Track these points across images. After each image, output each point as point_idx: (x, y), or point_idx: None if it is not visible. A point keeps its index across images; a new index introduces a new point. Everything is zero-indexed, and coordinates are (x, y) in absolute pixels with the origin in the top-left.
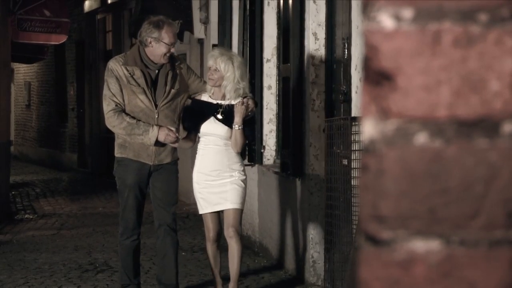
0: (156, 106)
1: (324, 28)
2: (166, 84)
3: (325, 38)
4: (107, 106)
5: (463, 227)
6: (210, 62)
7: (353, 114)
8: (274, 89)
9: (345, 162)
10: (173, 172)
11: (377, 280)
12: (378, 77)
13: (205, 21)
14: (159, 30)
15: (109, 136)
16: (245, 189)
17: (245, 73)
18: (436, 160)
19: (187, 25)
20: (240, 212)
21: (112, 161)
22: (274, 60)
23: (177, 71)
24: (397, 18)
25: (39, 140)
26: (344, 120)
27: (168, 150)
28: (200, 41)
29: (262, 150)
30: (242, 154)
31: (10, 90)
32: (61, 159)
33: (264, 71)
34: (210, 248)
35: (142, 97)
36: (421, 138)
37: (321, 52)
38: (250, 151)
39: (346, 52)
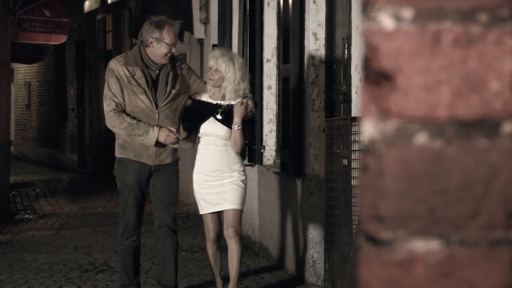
0: (156, 106)
1: (324, 28)
2: (167, 85)
3: (325, 38)
4: (108, 106)
5: (463, 227)
6: (211, 63)
7: (353, 114)
8: (274, 89)
9: (345, 162)
10: (173, 172)
11: (377, 280)
12: (378, 77)
13: (205, 21)
14: (160, 30)
15: (109, 136)
16: (245, 190)
17: (245, 75)
18: (436, 160)
19: (187, 25)
20: (239, 212)
21: (112, 161)
22: (274, 60)
23: (178, 71)
24: (397, 18)
25: (39, 140)
26: (344, 120)
27: (168, 150)
28: (200, 41)
29: (262, 150)
30: (242, 154)
31: (10, 90)
32: (61, 159)
33: (264, 71)
34: (210, 248)
35: (143, 97)
36: (421, 138)
37: (321, 52)
38: (250, 151)
39: (346, 52)
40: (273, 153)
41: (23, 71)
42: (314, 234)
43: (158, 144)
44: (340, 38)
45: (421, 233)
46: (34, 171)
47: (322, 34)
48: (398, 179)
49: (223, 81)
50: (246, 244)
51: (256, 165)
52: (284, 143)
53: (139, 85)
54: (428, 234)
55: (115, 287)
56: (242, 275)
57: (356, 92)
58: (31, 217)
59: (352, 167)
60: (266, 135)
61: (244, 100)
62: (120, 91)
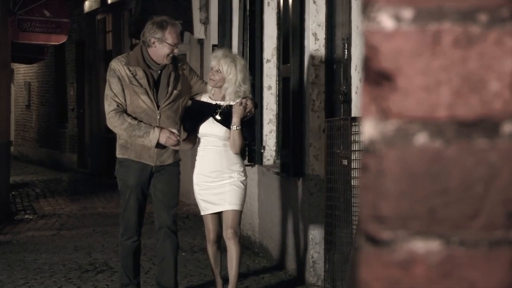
0: (158, 107)
1: (324, 28)
2: (168, 85)
3: (325, 39)
4: (109, 106)
5: (463, 227)
6: (213, 63)
7: (353, 115)
8: (274, 90)
9: (345, 162)
10: (174, 173)
11: (377, 280)
12: (378, 78)
13: (205, 22)
14: (163, 30)
15: (109, 137)
16: (244, 190)
17: (247, 77)
18: (436, 160)
19: (187, 26)
20: (239, 213)
21: (112, 162)
22: (274, 60)
23: (180, 72)
24: (397, 18)
25: (39, 140)
26: (344, 120)
27: (170, 151)
28: (200, 42)
29: (262, 151)
30: (242, 155)
31: (10, 90)
32: (61, 160)
33: (264, 71)
34: (211, 249)
35: (144, 97)
36: (421, 138)
37: (321, 52)
38: (250, 151)
39: (346, 53)
40: (273, 154)
41: (23, 71)
42: (314, 234)
43: (158, 145)
44: (340, 38)
45: (421, 233)
46: (34, 171)
47: (322, 34)
48: (398, 179)
49: (224, 82)
50: (246, 245)
51: (256, 165)
52: (284, 143)
53: (141, 86)
54: (428, 234)
55: (115, 287)
56: (242, 276)
57: (356, 92)
58: (31, 217)
59: (352, 167)
60: (266, 135)
61: (243, 100)
62: (122, 91)
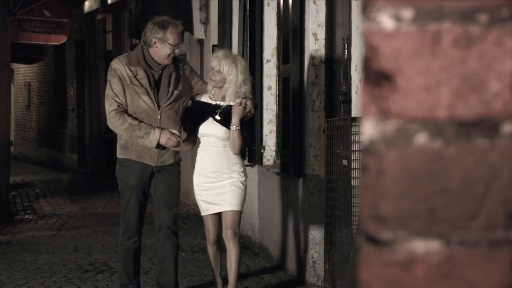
0: (159, 107)
1: (324, 28)
2: (169, 85)
3: (325, 39)
4: (109, 106)
5: (463, 227)
6: (213, 63)
7: (353, 115)
8: (274, 90)
9: (345, 162)
10: (175, 173)
11: (377, 280)
12: (378, 78)
13: (205, 22)
14: (164, 30)
15: (109, 137)
16: (244, 191)
17: (247, 78)
18: (436, 160)
19: (187, 26)
20: (238, 214)
21: (112, 162)
22: (274, 60)
23: (181, 72)
24: (397, 18)
25: (39, 140)
26: (344, 120)
27: (170, 151)
28: (200, 42)
29: (262, 151)
30: (242, 155)
31: (10, 90)
32: (61, 160)
33: (264, 71)
34: (211, 249)
35: (145, 97)
36: (421, 138)
37: (321, 52)
38: (250, 151)
39: (346, 53)
40: (273, 154)
41: (23, 72)
42: (314, 234)
43: (159, 146)
44: (340, 39)
45: (421, 234)
46: (34, 171)
47: (322, 35)
48: (398, 180)
49: (224, 82)
50: (246, 245)
51: (256, 166)
52: (284, 143)
53: (142, 86)
54: (428, 235)
55: (115, 287)
56: (242, 276)
57: (356, 93)
58: (31, 217)
59: (352, 167)
60: (266, 135)
61: (243, 100)
62: (122, 91)
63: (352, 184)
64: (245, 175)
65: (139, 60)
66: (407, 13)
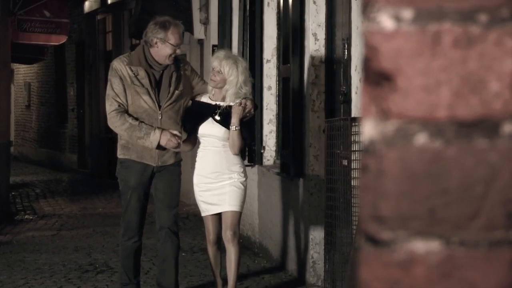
0: (159, 107)
1: (324, 28)
2: (170, 85)
3: (325, 39)
4: (110, 106)
5: (463, 227)
6: (214, 64)
7: (353, 115)
8: (274, 90)
9: (345, 162)
10: (176, 173)
11: (377, 280)
12: (378, 78)
13: (205, 22)
14: (165, 31)
15: (109, 137)
16: (244, 191)
17: (248, 79)
18: (436, 160)
19: (187, 26)
20: (238, 214)
21: (112, 162)
22: (274, 60)
23: (182, 72)
24: (397, 18)
25: (39, 140)
26: (344, 120)
27: (171, 151)
28: (200, 42)
29: (262, 151)
30: (242, 155)
31: (10, 90)
32: (61, 160)
33: (264, 71)
34: (211, 249)
35: (146, 97)
36: (421, 138)
37: (321, 52)
38: (250, 151)
39: (346, 53)
40: (273, 154)
41: (23, 72)
42: (314, 234)
43: (159, 146)
44: (340, 39)
45: (421, 234)
46: (34, 171)
47: (322, 35)
48: (398, 180)
49: (224, 83)
50: (246, 245)
51: (256, 166)
52: (284, 143)
53: (143, 86)
54: (428, 235)
55: (115, 287)
56: (242, 276)
57: (356, 93)
58: (31, 217)
59: (352, 167)
60: (266, 135)
61: (243, 101)
62: (123, 91)
63: (352, 184)
64: (245, 175)
65: (140, 60)
66: (407, 13)
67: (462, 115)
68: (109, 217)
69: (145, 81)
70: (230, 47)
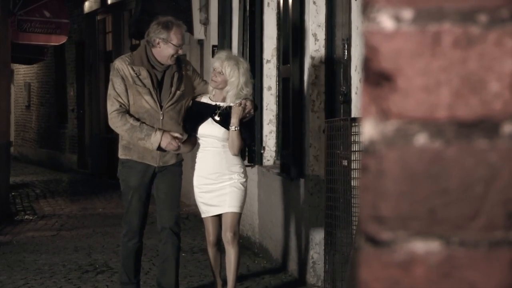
0: (161, 107)
1: (324, 29)
2: (171, 85)
3: (325, 39)
4: (111, 106)
5: (463, 228)
6: (216, 64)
7: (353, 115)
8: (274, 90)
9: (345, 163)
10: (177, 173)
11: (377, 281)
12: (378, 78)
13: (205, 22)
14: (168, 31)
15: (109, 137)
16: (244, 192)
17: (249, 80)
18: (436, 160)
19: (187, 26)
20: (238, 215)
21: (112, 162)
22: (274, 61)
23: (183, 72)
24: (397, 19)
25: (39, 141)
26: (344, 121)
27: (173, 152)
28: (200, 42)
29: (262, 151)
30: (242, 155)
31: (10, 91)
32: (61, 160)
33: (264, 72)
34: (211, 251)
35: (148, 97)
36: (421, 139)
37: (321, 53)
38: (250, 152)
39: (346, 53)
40: (273, 154)
41: (23, 72)
42: (314, 235)
43: (160, 148)
44: (340, 39)
45: (421, 234)
46: (34, 172)
47: (322, 35)
48: (398, 180)
49: (225, 84)
50: (246, 245)
51: (256, 166)
52: (284, 144)
53: (144, 86)
54: (428, 235)
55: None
56: (242, 276)
57: (356, 93)
58: (31, 218)
59: (352, 168)
60: (266, 136)
61: (243, 101)
62: (125, 91)
63: (352, 184)
64: (246, 176)
65: (142, 60)
66: (407, 14)
67: (462, 115)
68: (109, 217)
69: (147, 81)
70: (230, 47)
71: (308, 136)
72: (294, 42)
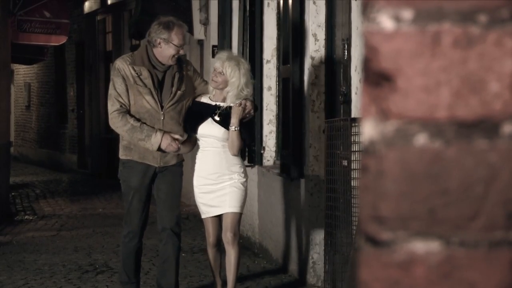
0: (162, 107)
1: (324, 29)
2: (172, 86)
3: (325, 39)
4: (112, 106)
5: (463, 228)
6: (216, 64)
7: (353, 115)
8: (274, 90)
9: (345, 163)
10: (177, 174)
11: (377, 281)
12: (378, 78)
13: (205, 22)
14: (169, 31)
15: (109, 137)
16: (245, 192)
17: (250, 81)
18: (436, 161)
19: (187, 26)
20: (238, 216)
21: (112, 162)
22: (274, 61)
23: (184, 72)
24: (397, 19)
25: (39, 141)
26: (344, 121)
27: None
28: (200, 42)
29: (262, 151)
30: (242, 155)
31: (10, 91)
32: (61, 160)
33: (264, 72)
34: (211, 251)
35: (148, 98)
36: (421, 139)
37: (321, 53)
38: (250, 152)
39: (346, 53)
40: (273, 154)
41: (23, 72)
42: (314, 235)
43: (160, 149)
44: (340, 39)
45: (421, 234)
46: (34, 172)
47: (322, 35)
48: (398, 180)
49: (226, 84)
50: (246, 245)
51: (256, 166)
52: (284, 144)
53: (145, 86)
54: (428, 235)
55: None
56: (242, 277)
57: (356, 93)
58: (31, 218)
59: (352, 168)
60: (266, 136)
61: (243, 101)
62: (126, 91)
63: (352, 184)
64: (246, 176)
65: (143, 60)
66: (407, 14)
67: (462, 115)
68: (109, 217)
69: (148, 81)
70: (230, 47)
71: (308, 136)
72: (294, 42)
